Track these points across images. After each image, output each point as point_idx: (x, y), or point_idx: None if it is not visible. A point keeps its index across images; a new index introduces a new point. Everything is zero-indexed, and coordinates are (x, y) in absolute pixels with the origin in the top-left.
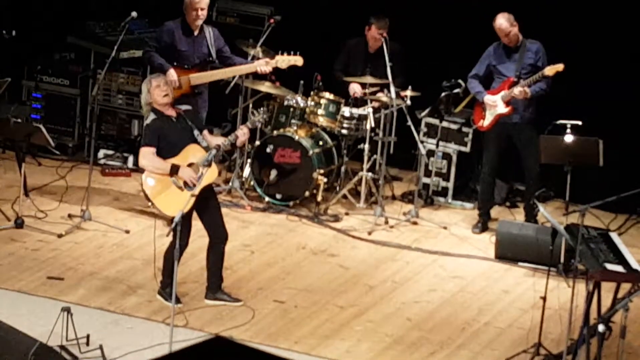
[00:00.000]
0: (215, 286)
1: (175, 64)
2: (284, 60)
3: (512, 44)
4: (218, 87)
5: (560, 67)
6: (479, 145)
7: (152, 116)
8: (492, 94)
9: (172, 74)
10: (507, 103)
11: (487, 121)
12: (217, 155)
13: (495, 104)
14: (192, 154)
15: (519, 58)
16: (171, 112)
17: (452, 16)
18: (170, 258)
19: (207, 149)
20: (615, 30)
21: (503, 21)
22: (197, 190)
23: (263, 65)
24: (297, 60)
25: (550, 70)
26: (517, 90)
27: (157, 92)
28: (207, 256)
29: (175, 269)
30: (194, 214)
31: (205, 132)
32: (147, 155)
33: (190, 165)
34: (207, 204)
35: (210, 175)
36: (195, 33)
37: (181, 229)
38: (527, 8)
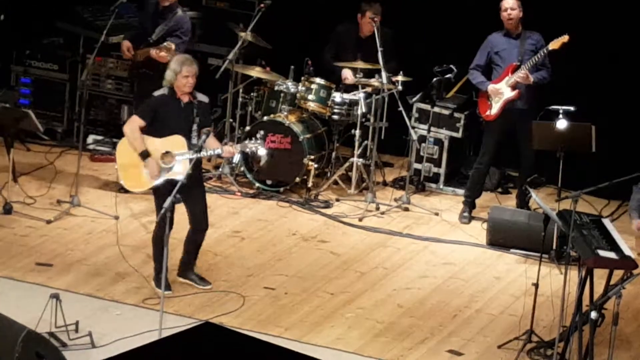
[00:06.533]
0: (187, 267)
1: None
2: None
3: (511, 26)
4: (208, 72)
5: (565, 38)
6: (471, 131)
7: (162, 91)
8: (495, 83)
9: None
10: (513, 87)
11: (494, 109)
12: (209, 152)
13: (501, 91)
14: (174, 144)
15: (520, 44)
16: (183, 97)
17: (444, 1)
18: (158, 243)
19: (192, 146)
20: (608, 17)
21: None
22: (154, 182)
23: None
24: None
25: (555, 44)
26: (520, 73)
27: (184, 81)
28: (185, 240)
29: (165, 255)
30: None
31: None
32: (134, 125)
33: (165, 154)
34: (191, 192)
35: (179, 171)
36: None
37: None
38: None
